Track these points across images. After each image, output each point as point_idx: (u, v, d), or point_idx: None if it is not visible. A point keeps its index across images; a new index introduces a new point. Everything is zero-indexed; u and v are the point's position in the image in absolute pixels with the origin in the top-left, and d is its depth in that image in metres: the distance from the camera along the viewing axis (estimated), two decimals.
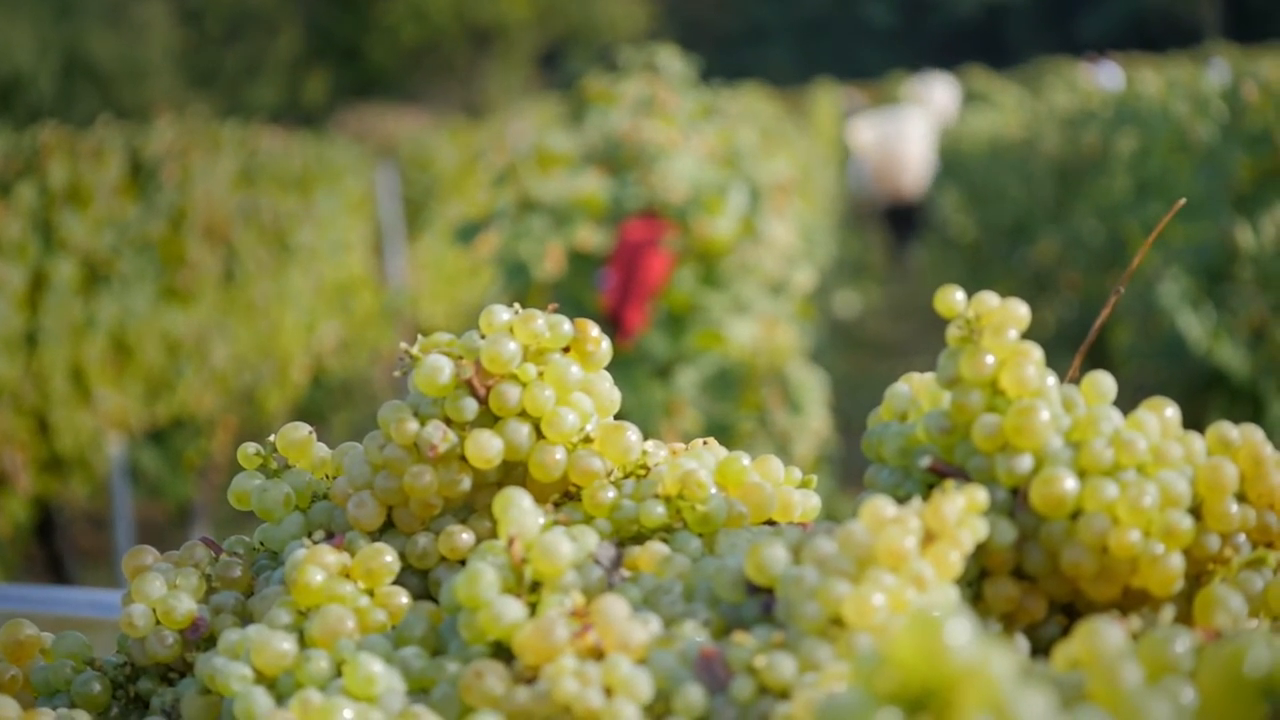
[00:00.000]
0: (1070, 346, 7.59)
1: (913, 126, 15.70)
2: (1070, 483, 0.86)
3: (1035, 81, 19.51)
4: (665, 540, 0.94)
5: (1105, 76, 15.24)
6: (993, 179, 12.20)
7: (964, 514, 0.81)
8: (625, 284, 4.70)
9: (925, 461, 0.91)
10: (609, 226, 4.79)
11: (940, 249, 15.70)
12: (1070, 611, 0.90)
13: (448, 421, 0.95)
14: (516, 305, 0.97)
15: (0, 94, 18.04)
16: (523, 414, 0.95)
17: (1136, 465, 0.87)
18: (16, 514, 5.58)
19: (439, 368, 0.94)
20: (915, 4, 41.15)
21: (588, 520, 0.95)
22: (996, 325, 0.89)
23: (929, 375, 0.95)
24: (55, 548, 6.39)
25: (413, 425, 0.94)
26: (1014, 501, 0.88)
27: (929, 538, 0.80)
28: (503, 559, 0.84)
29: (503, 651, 0.83)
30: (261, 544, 1.00)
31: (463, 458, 0.95)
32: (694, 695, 0.77)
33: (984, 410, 0.89)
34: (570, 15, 28.84)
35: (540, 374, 0.95)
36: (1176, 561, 0.86)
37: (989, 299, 0.90)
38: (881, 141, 15.43)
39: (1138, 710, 0.66)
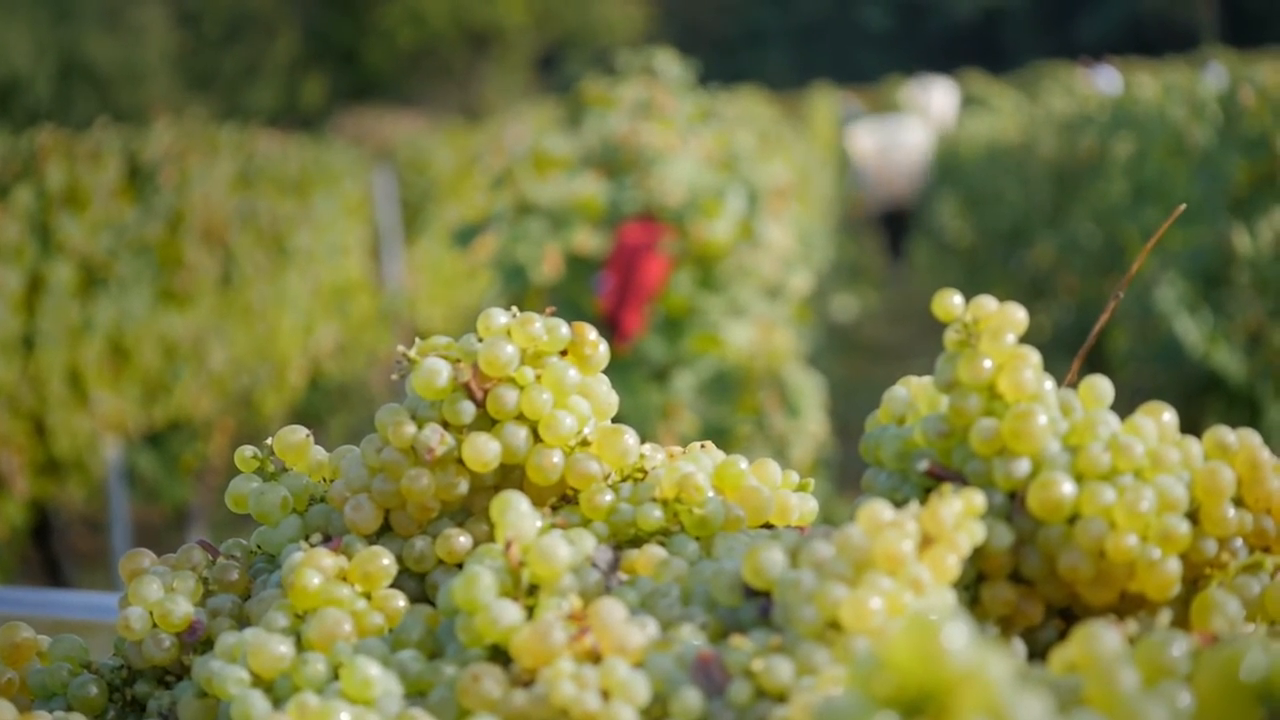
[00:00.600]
0: (1068, 350, 7.59)
1: (911, 134, 15.83)
2: (1068, 487, 0.86)
3: (1032, 85, 19.53)
4: (663, 543, 0.94)
5: (1103, 81, 15.26)
6: (990, 183, 12.22)
7: (961, 518, 0.81)
8: (623, 287, 4.70)
9: (923, 465, 0.91)
10: (606, 230, 4.79)
11: (938, 253, 15.74)
12: (1067, 615, 0.90)
13: (445, 425, 0.95)
14: (514, 308, 0.97)
15: None
16: (520, 417, 0.95)
17: (1134, 470, 0.87)
18: (13, 517, 5.58)
19: (436, 371, 0.94)
20: (912, 8, 41.19)
21: (585, 523, 0.95)
22: (994, 329, 0.89)
23: (927, 379, 0.95)
24: (52, 550, 6.39)
25: (410, 428, 0.94)
26: (1011, 505, 0.88)
27: (926, 541, 0.80)
28: (500, 562, 0.84)
29: (500, 654, 0.83)
30: (259, 547, 1.00)
31: (460, 461, 0.94)
32: (691, 698, 0.77)
33: (981, 414, 0.89)
34: (567, 19, 28.85)
35: (538, 377, 0.95)
36: (1173, 566, 0.86)
37: (987, 303, 0.90)
38: (881, 149, 15.56)
39: (1134, 714, 0.66)
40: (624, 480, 0.97)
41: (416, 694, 0.84)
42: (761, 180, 5.20)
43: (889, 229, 16.54)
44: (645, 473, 0.97)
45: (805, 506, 0.99)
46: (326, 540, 0.96)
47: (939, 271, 14.98)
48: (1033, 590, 0.89)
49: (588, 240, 4.74)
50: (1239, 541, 0.89)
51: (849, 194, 17.28)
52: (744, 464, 0.98)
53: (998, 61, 30.57)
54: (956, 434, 0.90)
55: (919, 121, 17.13)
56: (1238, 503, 0.89)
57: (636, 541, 0.95)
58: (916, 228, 16.69)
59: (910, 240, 16.74)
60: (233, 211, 7.09)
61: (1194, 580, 0.89)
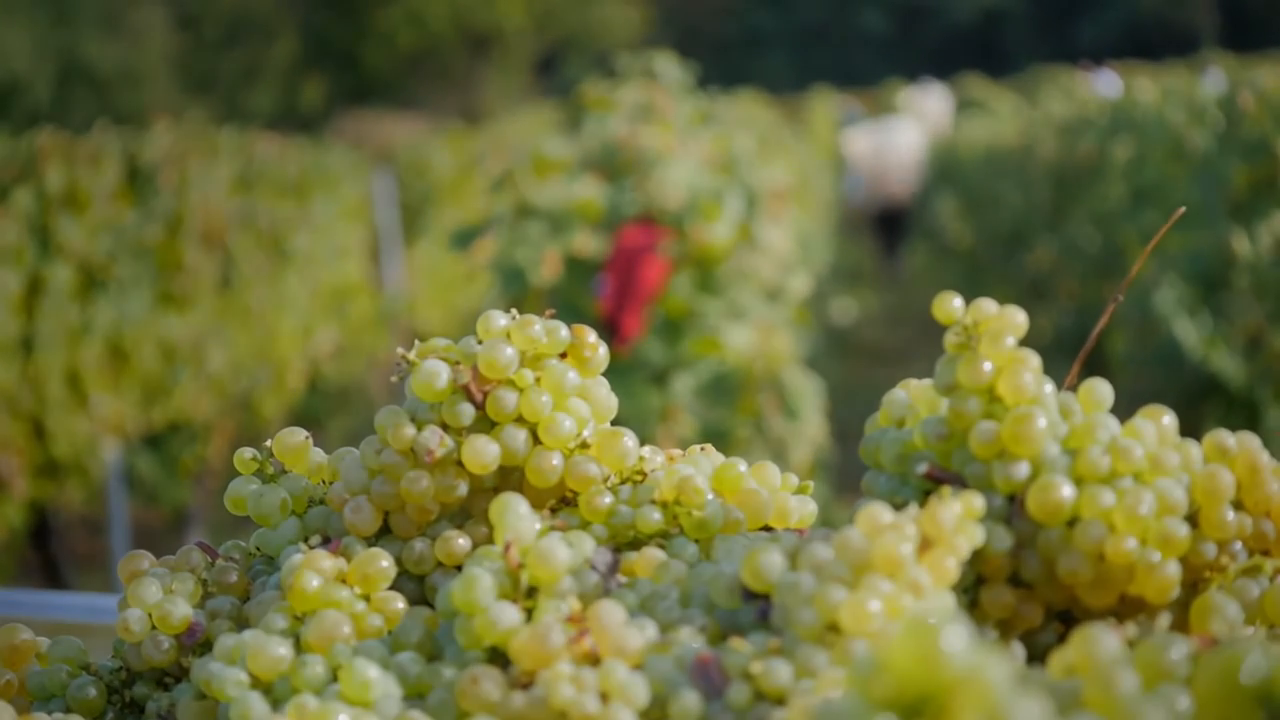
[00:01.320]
0: (1067, 353, 7.59)
1: (905, 136, 15.99)
2: (1067, 490, 0.86)
3: (1032, 89, 19.53)
4: (662, 546, 0.94)
5: (1103, 85, 15.26)
6: (990, 186, 12.21)
7: (961, 520, 0.81)
8: (622, 290, 4.70)
9: (922, 468, 0.91)
10: (606, 232, 4.79)
11: (937, 255, 15.76)
12: (1067, 618, 0.90)
13: (445, 427, 0.95)
14: (513, 311, 0.97)
15: None
16: (520, 419, 0.95)
17: (1133, 473, 0.87)
18: (12, 518, 5.57)
19: (436, 373, 0.94)
20: (912, 11, 41.20)
21: (584, 526, 0.95)
22: (994, 332, 0.89)
23: (926, 381, 0.95)
24: (51, 552, 6.38)
25: (409, 430, 0.94)
26: (1011, 508, 0.88)
27: (926, 544, 0.80)
28: (499, 564, 0.84)
29: (499, 657, 0.83)
30: (258, 549, 1.00)
31: (459, 463, 0.94)
32: (690, 701, 0.77)
33: (981, 417, 0.89)
34: (567, 21, 28.85)
35: (537, 379, 0.95)
36: (1173, 569, 0.86)
37: (987, 306, 0.90)
38: (875, 150, 15.72)
39: (1133, 717, 0.66)
40: (623, 483, 0.97)
41: (415, 696, 0.84)
42: (761, 183, 5.20)
43: (884, 230, 16.66)
44: (644, 475, 0.97)
45: (804, 509, 0.99)
46: (326, 542, 0.96)
47: (938, 274, 14.99)
48: (1032, 593, 0.88)
49: (587, 243, 4.74)
50: (1238, 545, 0.89)
51: (846, 198, 17.39)
52: (743, 467, 0.98)
53: (997, 65, 30.57)
54: (956, 437, 0.90)
55: (912, 123, 17.28)
56: (1237, 506, 0.89)
57: (636, 544, 0.95)
58: (913, 229, 16.79)
59: (905, 242, 16.84)
60: (232, 214, 7.09)
61: (1193, 583, 0.89)
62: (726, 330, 4.84)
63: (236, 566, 0.99)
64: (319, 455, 1.02)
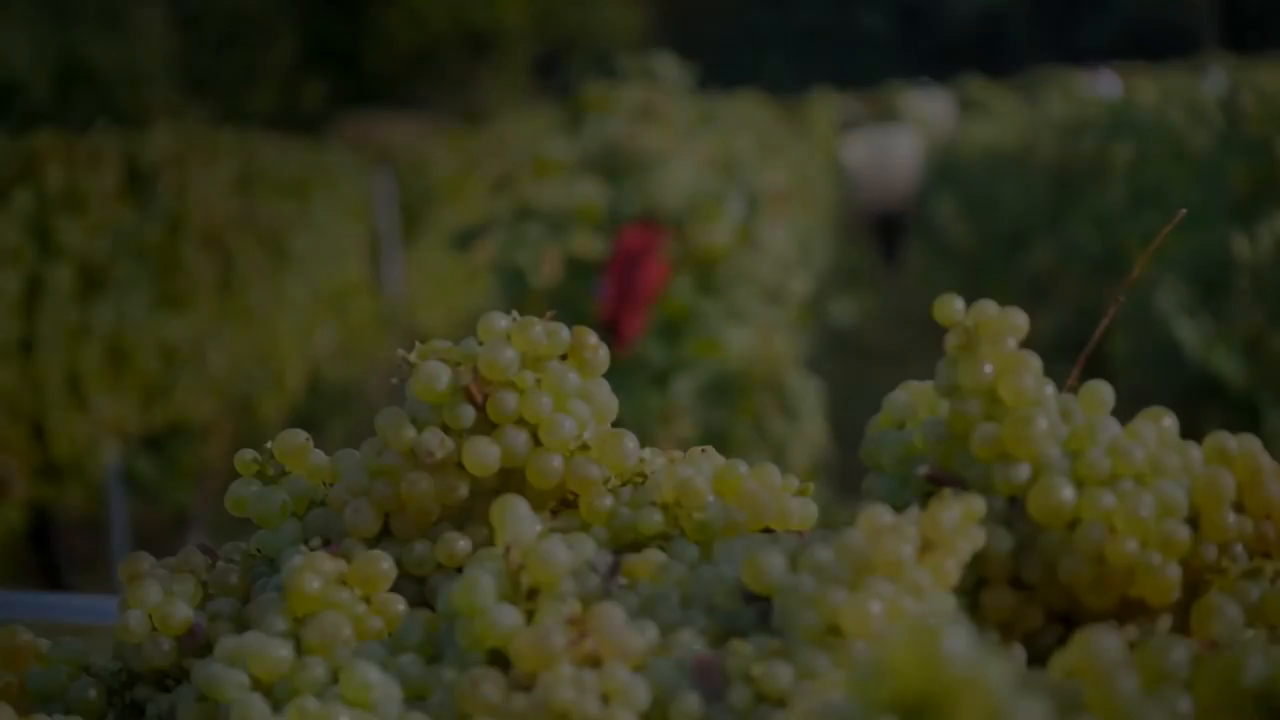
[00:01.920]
0: (1067, 355, 7.57)
1: (902, 142, 16.10)
2: (1067, 492, 0.86)
3: (1032, 90, 19.52)
4: (662, 548, 0.94)
5: (1104, 87, 15.27)
6: (990, 187, 12.21)
7: (961, 522, 0.81)
8: (622, 291, 4.70)
9: (923, 470, 0.91)
10: (606, 233, 4.79)
11: (937, 256, 15.77)
12: (1067, 620, 0.90)
13: (445, 428, 0.94)
14: (514, 312, 0.97)
15: None
16: (520, 421, 0.95)
17: (1134, 475, 0.87)
18: (12, 520, 5.58)
19: (436, 374, 0.94)
20: (913, 13, 41.20)
21: (585, 528, 0.95)
22: (995, 334, 0.89)
23: (927, 383, 0.95)
24: (51, 554, 6.38)
25: (410, 432, 0.94)
26: (1011, 510, 0.88)
27: (926, 546, 0.80)
28: (500, 566, 0.84)
29: (499, 659, 0.83)
30: (258, 550, 1.00)
31: (460, 465, 0.94)
32: (691, 703, 0.77)
33: (982, 419, 0.89)
34: (567, 21, 28.82)
35: (538, 381, 0.95)
36: (1173, 571, 0.86)
37: (987, 307, 0.90)
38: (872, 157, 15.83)
39: (1134, 719, 0.66)
40: (624, 484, 0.97)
41: (416, 698, 0.84)
42: (761, 184, 5.20)
43: (882, 236, 16.74)
44: (645, 477, 0.97)
45: (805, 511, 0.99)
46: (326, 544, 0.96)
47: (938, 275, 14.98)
48: (1033, 595, 0.88)
49: (587, 244, 4.74)
50: (1239, 547, 0.89)
51: (848, 199, 17.43)
52: (744, 468, 0.98)
53: (998, 66, 30.53)
54: (957, 439, 0.90)
55: (909, 129, 17.39)
56: (1238, 508, 0.89)
57: (636, 546, 0.95)
58: (912, 232, 16.84)
59: (905, 246, 16.90)
60: (232, 215, 7.09)
61: (1194, 585, 0.89)
62: (727, 332, 4.84)
63: (237, 568, 0.99)
64: (319, 457, 1.02)
